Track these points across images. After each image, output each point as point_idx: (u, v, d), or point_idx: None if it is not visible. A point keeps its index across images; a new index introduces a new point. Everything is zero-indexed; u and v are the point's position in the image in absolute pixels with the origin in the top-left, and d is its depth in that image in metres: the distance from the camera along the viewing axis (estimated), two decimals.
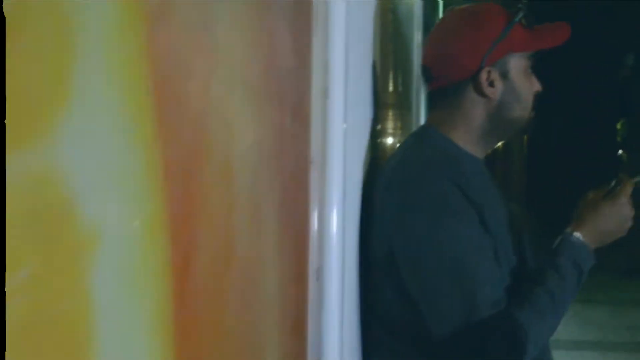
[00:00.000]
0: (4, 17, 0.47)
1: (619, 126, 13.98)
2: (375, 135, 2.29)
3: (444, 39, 1.93)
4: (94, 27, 0.58)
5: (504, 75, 1.87)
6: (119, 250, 0.61)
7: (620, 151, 14.06)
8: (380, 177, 1.88)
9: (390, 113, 3.63)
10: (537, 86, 1.93)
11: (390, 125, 3.53)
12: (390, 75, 3.55)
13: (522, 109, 1.90)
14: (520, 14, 1.88)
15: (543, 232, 1.87)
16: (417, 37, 4.92)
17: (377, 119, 2.35)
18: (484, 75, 1.86)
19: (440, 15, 6.80)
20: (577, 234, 1.79)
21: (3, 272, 0.48)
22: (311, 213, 1.37)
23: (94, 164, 0.58)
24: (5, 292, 0.48)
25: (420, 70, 1.99)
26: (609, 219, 1.81)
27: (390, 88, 3.63)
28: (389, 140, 3.38)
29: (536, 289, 1.70)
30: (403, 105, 4.34)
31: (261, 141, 1.06)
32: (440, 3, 6.51)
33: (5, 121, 0.48)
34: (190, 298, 0.75)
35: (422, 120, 5.61)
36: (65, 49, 0.56)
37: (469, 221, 1.77)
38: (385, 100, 3.08)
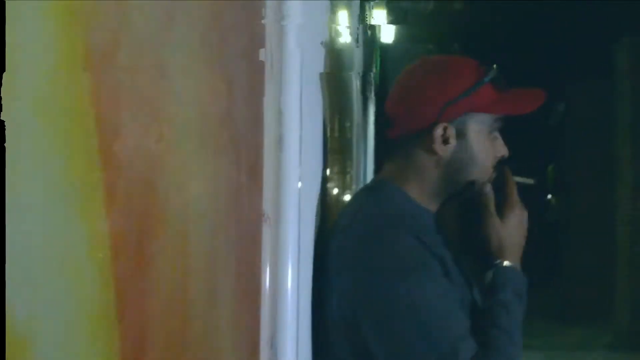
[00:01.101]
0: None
1: (548, 171, 14.14)
2: (326, 179, 2.19)
3: (408, 85, 1.82)
4: (26, 71, 0.46)
5: (461, 135, 1.76)
6: (55, 349, 0.49)
7: (549, 195, 14.21)
8: (332, 235, 1.75)
9: (330, 158, 3.54)
10: (501, 150, 1.82)
11: (329, 170, 3.44)
12: (330, 120, 3.46)
13: (479, 172, 1.78)
14: (492, 74, 1.78)
15: (478, 267, 1.81)
16: (356, 83, 4.86)
17: (327, 163, 2.24)
18: (438, 131, 1.75)
19: (379, 62, 6.79)
20: (506, 263, 1.76)
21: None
22: (264, 273, 1.25)
23: (25, 248, 0.45)
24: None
25: (383, 115, 1.88)
26: (518, 229, 1.77)
27: (329, 133, 3.54)
28: (328, 186, 3.28)
29: (493, 332, 1.66)
30: (342, 150, 4.26)
31: (216, 198, 0.94)
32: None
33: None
34: None
35: (362, 166, 5.53)
36: None
37: (435, 275, 1.68)
38: (333, 146, 2.98)
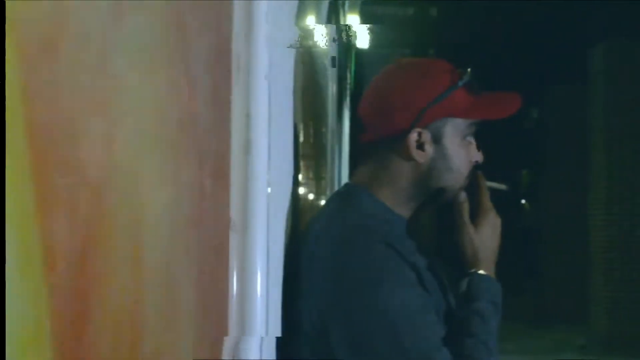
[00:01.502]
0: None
1: (522, 176, 14.16)
2: (297, 184, 2.13)
3: (382, 89, 1.77)
4: None
5: (437, 140, 1.70)
6: None
7: (522, 201, 14.23)
8: (303, 243, 1.70)
9: (302, 164, 3.50)
10: (476, 156, 1.78)
11: (302, 176, 3.40)
12: (303, 126, 3.41)
13: (454, 179, 1.73)
14: (465, 79, 1.73)
15: (453, 274, 1.77)
16: (332, 88, 4.82)
17: (299, 169, 2.19)
18: (413, 136, 1.69)
19: (354, 66, 6.73)
20: (481, 271, 1.71)
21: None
22: (231, 282, 1.19)
23: None
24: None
25: (357, 119, 1.83)
26: (492, 237, 1.73)
27: (302, 138, 3.49)
28: (300, 191, 3.23)
29: (469, 341, 1.62)
30: (316, 155, 4.21)
31: (176, 205, 0.88)
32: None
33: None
34: None
35: (337, 171, 5.48)
36: None
37: (409, 284, 1.62)
38: (306, 152, 2.93)
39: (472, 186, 1.78)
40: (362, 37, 6.34)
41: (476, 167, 1.79)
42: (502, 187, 1.86)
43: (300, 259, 1.64)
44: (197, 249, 0.98)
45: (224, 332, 1.10)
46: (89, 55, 0.58)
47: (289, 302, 1.57)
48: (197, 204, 0.99)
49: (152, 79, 0.78)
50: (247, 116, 1.26)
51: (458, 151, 1.72)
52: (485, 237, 1.74)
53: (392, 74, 1.78)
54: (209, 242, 1.09)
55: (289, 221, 1.79)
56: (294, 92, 2.22)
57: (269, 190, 1.34)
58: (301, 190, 2.99)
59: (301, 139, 2.67)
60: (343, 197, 1.80)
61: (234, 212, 1.21)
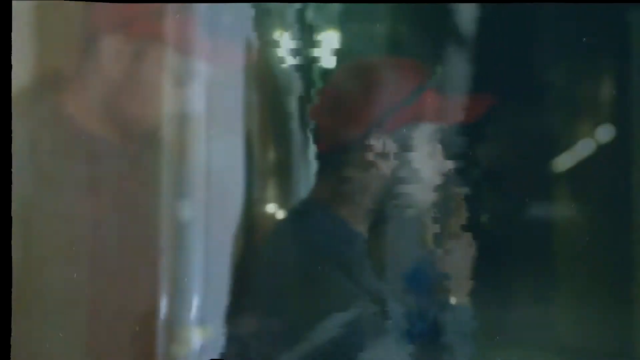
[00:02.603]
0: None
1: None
2: (251, 204, 1.99)
3: (341, 90, 1.63)
4: None
5: (403, 148, 1.58)
6: None
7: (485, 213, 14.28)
8: (255, 269, 1.56)
9: (269, 181, 3.38)
10: (445, 165, 1.64)
11: (268, 194, 3.28)
12: (269, 144, 3.30)
13: (422, 191, 1.61)
14: (435, 79, 1.59)
15: (421, 301, 1.67)
16: (294, 104, 4.71)
17: (253, 187, 2.04)
18: (376, 143, 1.56)
19: (320, 83, 6.62)
20: (452, 300, 1.60)
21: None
22: (159, 312, 1.03)
23: None
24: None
25: (311, 126, 1.69)
26: (465, 261, 1.58)
27: (269, 156, 3.38)
28: (267, 209, 3.11)
29: None
30: (281, 173, 4.09)
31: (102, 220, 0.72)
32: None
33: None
34: None
35: (302, 187, 5.36)
36: None
37: (362, 314, 1.49)
38: (262, 169, 2.81)
39: (444, 201, 1.66)
40: (329, 51, 6.22)
41: (448, 177, 1.67)
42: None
43: (248, 285, 1.49)
44: (121, 275, 0.81)
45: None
46: None
47: (238, 338, 1.42)
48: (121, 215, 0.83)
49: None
50: (181, 124, 1.10)
51: (427, 161, 1.58)
52: (457, 261, 1.63)
53: (354, 73, 1.63)
54: (135, 265, 0.92)
55: (239, 241, 1.64)
56: (247, 106, 2.08)
57: (208, 207, 1.18)
58: (261, 209, 2.84)
59: (259, 156, 2.53)
60: (297, 216, 1.66)
61: (164, 234, 1.05)
